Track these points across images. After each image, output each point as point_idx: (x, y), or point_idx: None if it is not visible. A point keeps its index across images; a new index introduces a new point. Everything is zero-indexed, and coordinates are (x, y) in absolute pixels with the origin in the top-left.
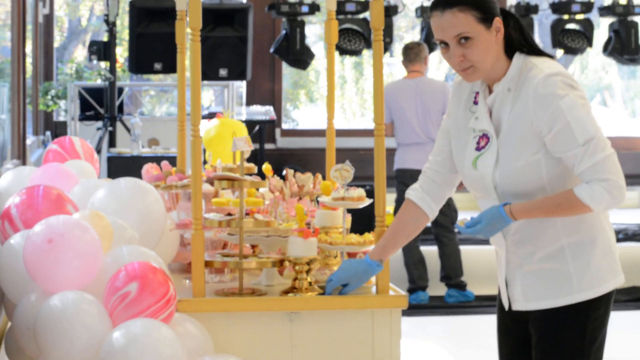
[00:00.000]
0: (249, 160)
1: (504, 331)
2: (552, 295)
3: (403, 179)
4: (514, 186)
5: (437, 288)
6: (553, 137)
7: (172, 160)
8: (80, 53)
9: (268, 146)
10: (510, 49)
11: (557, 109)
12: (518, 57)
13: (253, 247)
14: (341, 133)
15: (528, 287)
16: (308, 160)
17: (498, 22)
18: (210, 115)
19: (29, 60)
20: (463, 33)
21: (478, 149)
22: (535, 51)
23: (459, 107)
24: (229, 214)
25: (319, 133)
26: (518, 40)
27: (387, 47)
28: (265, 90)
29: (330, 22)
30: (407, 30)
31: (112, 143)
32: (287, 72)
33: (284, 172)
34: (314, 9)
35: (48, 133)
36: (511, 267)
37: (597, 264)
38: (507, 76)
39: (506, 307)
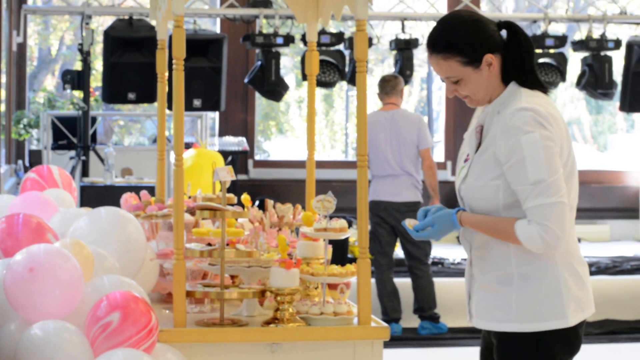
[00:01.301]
0: None
1: (482, 350)
2: (495, 318)
3: (377, 211)
4: (473, 202)
5: (410, 320)
6: (508, 169)
7: (146, 190)
8: (50, 82)
9: (240, 177)
10: (508, 76)
11: (517, 143)
12: (512, 86)
13: (233, 277)
14: None
15: (479, 305)
16: (281, 192)
17: (489, 58)
18: (186, 146)
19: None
20: (450, 77)
21: (465, 161)
22: (529, 82)
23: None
24: (209, 244)
25: (292, 164)
26: (514, 70)
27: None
28: (238, 121)
29: (311, 53)
30: (377, 63)
31: (84, 172)
32: (258, 103)
33: (256, 203)
34: (288, 40)
35: (20, 162)
36: (472, 280)
37: (539, 301)
38: (498, 100)
39: (469, 320)
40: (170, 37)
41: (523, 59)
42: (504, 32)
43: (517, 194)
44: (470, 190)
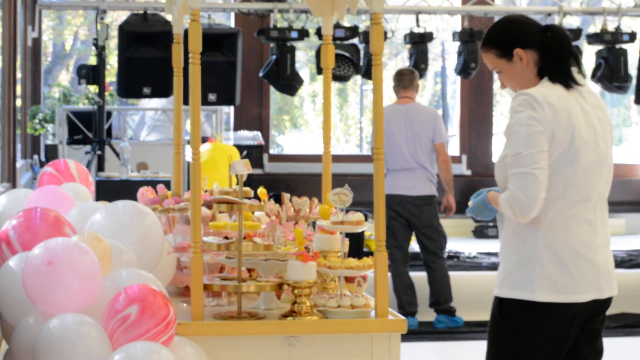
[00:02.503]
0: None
1: None
2: (496, 282)
3: (392, 205)
4: (497, 177)
5: (426, 314)
6: (505, 144)
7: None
8: (64, 77)
9: (255, 171)
10: (543, 72)
11: (510, 121)
12: (543, 80)
13: (250, 270)
14: None
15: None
16: (296, 186)
17: (519, 52)
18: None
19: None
20: (493, 68)
21: None
22: (559, 79)
23: None
24: (226, 238)
25: (306, 158)
26: (548, 67)
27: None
28: (253, 116)
29: (327, 47)
30: (391, 57)
31: (100, 167)
32: (272, 97)
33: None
34: (303, 34)
35: (36, 157)
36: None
37: (512, 271)
38: None
39: None
40: (186, 31)
41: (557, 59)
42: (549, 34)
43: None
44: (496, 167)
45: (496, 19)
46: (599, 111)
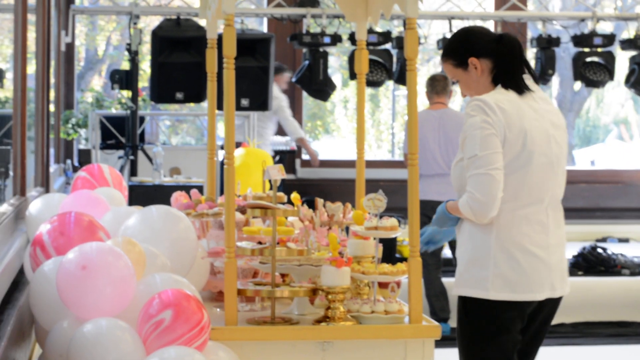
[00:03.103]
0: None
1: None
2: (455, 282)
3: (424, 211)
4: (452, 181)
5: None
6: (460, 148)
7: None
8: (97, 82)
9: (288, 177)
10: (497, 79)
11: (464, 126)
12: (497, 89)
13: (283, 276)
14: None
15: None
16: (328, 191)
17: (473, 61)
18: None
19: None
20: (452, 77)
21: None
22: (513, 85)
23: None
24: (260, 243)
25: (339, 164)
26: (501, 75)
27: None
28: None
29: (361, 52)
30: (423, 62)
31: (133, 172)
32: (304, 103)
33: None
34: (335, 39)
35: (69, 161)
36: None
37: (467, 269)
38: None
39: None
40: (220, 36)
41: (509, 66)
42: (500, 43)
43: None
44: (452, 171)
45: (529, 24)
46: (552, 115)
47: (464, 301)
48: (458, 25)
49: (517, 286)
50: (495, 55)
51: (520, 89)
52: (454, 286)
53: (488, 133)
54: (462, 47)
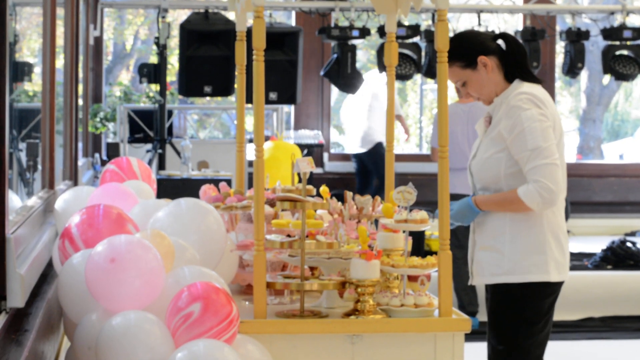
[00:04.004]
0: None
1: (486, 299)
2: (489, 272)
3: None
4: (480, 175)
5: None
6: (511, 141)
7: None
8: (124, 77)
9: (316, 170)
10: (511, 75)
11: (517, 119)
12: (516, 82)
13: (312, 269)
14: None
15: (478, 264)
16: (355, 185)
17: (482, 59)
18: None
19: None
20: (458, 81)
21: (476, 148)
22: (529, 78)
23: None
24: (289, 236)
25: None
26: (515, 69)
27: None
28: (314, 115)
29: (390, 45)
30: None
31: (161, 165)
32: (333, 96)
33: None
34: (364, 33)
35: (97, 155)
36: (473, 245)
37: (526, 256)
38: (504, 93)
39: (470, 281)
40: (249, 29)
41: (520, 60)
42: (500, 42)
43: (518, 162)
44: (479, 163)
45: (558, 17)
46: None
47: (520, 287)
48: (487, 19)
49: (563, 268)
50: (500, 52)
51: (538, 80)
52: (505, 274)
53: (547, 125)
54: (469, 47)
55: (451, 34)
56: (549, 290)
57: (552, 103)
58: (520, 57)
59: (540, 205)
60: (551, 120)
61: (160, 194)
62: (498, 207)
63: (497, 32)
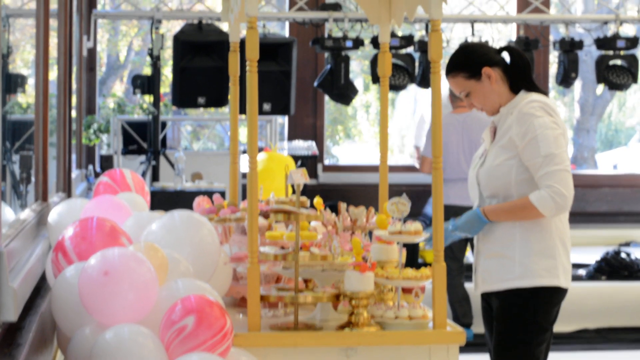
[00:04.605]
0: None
1: (484, 310)
2: (500, 279)
3: (448, 215)
4: (489, 182)
5: (482, 325)
6: (523, 148)
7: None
8: (118, 88)
9: (310, 182)
10: (516, 86)
11: (530, 126)
12: (522, 93)
13: (306, 281)
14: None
15: (485, 272)
16: (350, 196)
17: (487, 71)
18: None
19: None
20: (462, 91)
21: (480, 157)
22: (533, 87)
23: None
24: (283, 248)
25: (361, 169)
26: (520, 81)
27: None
28: (307, 126)
29: (384, 55)
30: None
31: (155, 177)
32: (326, 107)
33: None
34: (358, 43)
35: (90, 167)
36: (478, 255)
37: (537, 261)
38: (511, 104)
39: (474, 290)
40: (242, 40)
41: (525, 72)
42: (505, 54)
43: (530, 168)
44: (488, 170)
45: (552, 27)
46: None
47: (531, 292)
48: (480, 29)
49: (569, 275)
50: (503, 64)
51: (544, 92)
52: (517, 279)
53: (559, 133)
54: (473, 58)
55: (445, 44)
56: (558, 297)
57: (558, 112)
58: (524, 69)
59: (553, 210)
60: (562, 128)
61: (154, 206)
62: (509, 215)
63: (490, 42)
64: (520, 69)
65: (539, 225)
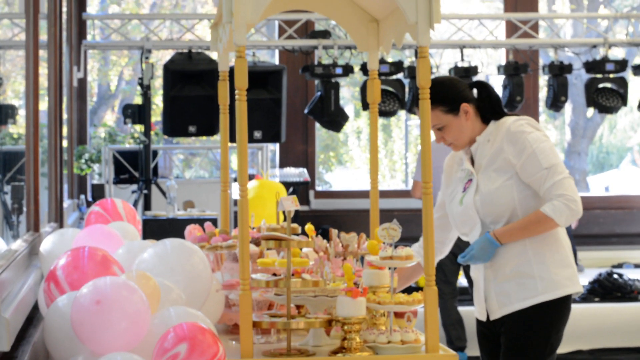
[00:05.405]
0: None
1: (483, 338)
2: (521, 297)
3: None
4: (491, 207)
5: (475, 348)
6: (522, 165)
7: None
8: (109, 117)
9: (302, 208)
10: (485, 115)
11: (524, 142)
12: (493, 122)
13: (299, 307)
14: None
15: (502, 295)
16: (342, 222)
17: (464, 107)
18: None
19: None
20: (437, 125)
21: (464, 190)
22: (504, 115)
23: (451, 174)
24: (274, 274)
25: (352, 194)
26: (490, 110)
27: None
28: (299, 152)
29: (373, 82)
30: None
31: (147, 206)
32: (317, 134)
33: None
34: (347, 70)
35: (82, 196)
36: (488, 281)
37: (555, 271)
38: (487, 130)
39: (484, 318)
40: (232, 69)
41: (496, 105)
42: (474, 90)
43: (532, 183)
44: (487, 196)
45: (541, 51)
46: None
47: (558, 303)
48: (470, 54)
49: (577, 278)
50: (475, 100)
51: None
52: (541, 294)
53: (551, 144)
54: (453, 93)
55: (434, 70)
56: (570, 301)
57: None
58: (495, 103)
59: (569, 218)
60: (551, 141)
61: (146, 235)
62: (523, 233)
63: (480, 67)
64: (492, 102)
65: (548, 237)
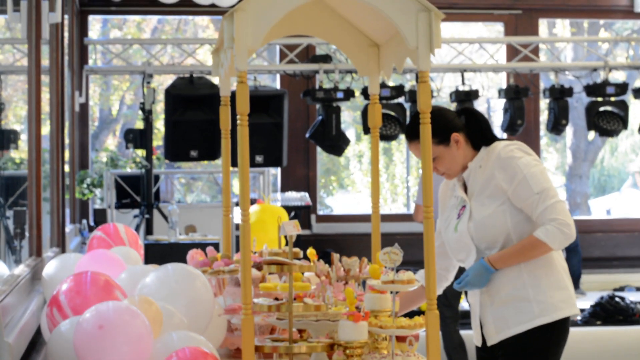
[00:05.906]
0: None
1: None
2: (519, 321)
3: None
4: (485, 233)
5: None
6: (514, 191)
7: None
8: (111, 142)
9: (304, 232)
10: (475, 142)
11: (515, 168)
12: (484, 148)
13: (301, 331)
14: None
15: (499, 320)
16: (344, 246)
17: (455, 136)
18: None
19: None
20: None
21: (458, 216)
22: (494, 140)
23: (446, 201)
24: (277, 299)
25: (354, 218)
26: (479, 136)
27: None
28: (300, 177)
29: (374, 106)
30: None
31: (149, 230)
32: (319, 158)
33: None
34: (349, 94)
35: (84, 221)
36: (484, 307)
37: (551, 294)
38: (478, 156)
39: (480, 344)
40: (233, 93)
41: (485, 131)
42: (462, 117)
43: (525, 208)
44: (480, 222)
45: (542, 75)
46: None
47: (553, 326)
48: (470, 77)
49: (574, 300)
50: (464, 128)
51: (504, 139)
52: (537, 317)
53: (542, 168)
54: (442, 124)
55: (435, 93)
56: (569, 325)
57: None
58: (484, 127)
59: (562, 242)
60: (542, 165)
61: (148, 259)
62: (517, 258)
63: (481, 90)
64: (481, 128)
65: (542, 260)
